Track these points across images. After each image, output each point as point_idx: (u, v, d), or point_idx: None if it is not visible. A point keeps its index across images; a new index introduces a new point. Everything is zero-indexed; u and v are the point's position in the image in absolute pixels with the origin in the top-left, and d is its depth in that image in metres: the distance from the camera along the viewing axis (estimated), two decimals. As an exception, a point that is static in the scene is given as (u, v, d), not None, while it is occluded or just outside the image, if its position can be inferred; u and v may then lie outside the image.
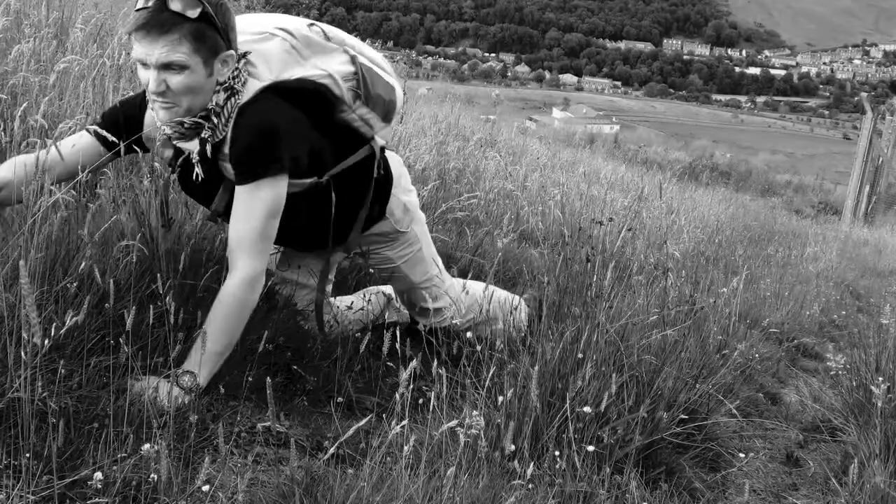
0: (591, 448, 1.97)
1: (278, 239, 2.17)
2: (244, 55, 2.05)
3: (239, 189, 2.03)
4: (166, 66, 1.87)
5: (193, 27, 1.86)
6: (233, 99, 2.01)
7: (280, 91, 2.07)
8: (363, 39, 2.52)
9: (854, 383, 3.06)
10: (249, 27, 2.14)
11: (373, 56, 2.31)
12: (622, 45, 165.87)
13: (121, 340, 1.63)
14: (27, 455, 1.38)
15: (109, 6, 4.27)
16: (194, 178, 2.08)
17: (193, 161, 2.06)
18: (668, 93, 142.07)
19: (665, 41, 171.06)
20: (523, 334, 2.63)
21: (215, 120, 2.01)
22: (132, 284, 1.94)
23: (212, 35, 1.91)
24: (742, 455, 2.62)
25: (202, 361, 1.87)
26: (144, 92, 2.06)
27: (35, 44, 2.94)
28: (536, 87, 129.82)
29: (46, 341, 1.52)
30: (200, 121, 2.00)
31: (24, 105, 2.28)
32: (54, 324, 1.56)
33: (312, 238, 2.38)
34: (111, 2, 4.59)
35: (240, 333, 2.00)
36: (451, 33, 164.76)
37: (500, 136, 8.01)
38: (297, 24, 2.20)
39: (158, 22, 1.84)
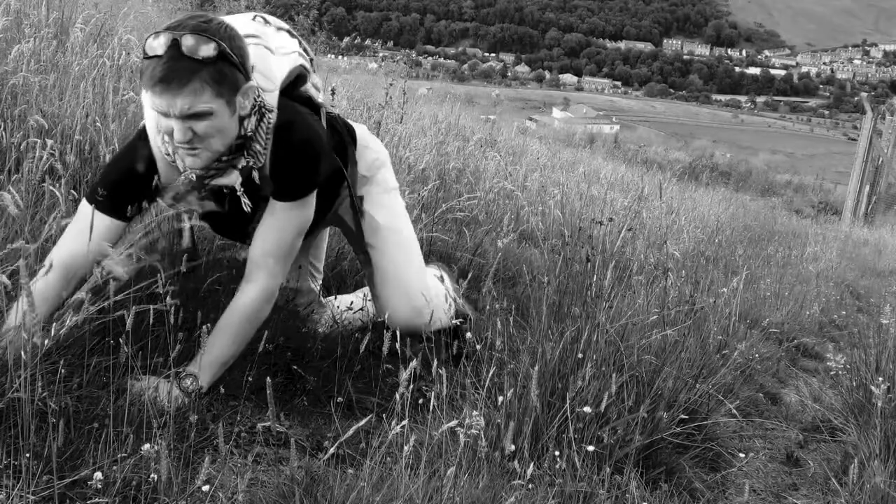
0: (591, 448, 1.97)
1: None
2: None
3: (274, 204, 2.02)
4: (190, 117, 1.79)
5: (212, 70, 1.77)
6: (265, 120, 1.97)
7: (288, 93, 2.06)
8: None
9: (854, 383, 3.06)
10: None
11: (284, 24, 2.31)
12: (622, 45, 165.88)
13: (121, 340, 1.63)
14: (27, 455, 1.38)
15: (109, 6, 4.28)
16: (245, 208, 2.02)
17: (239, 193, 2.00)
18: (668, 93, 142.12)
19: (665, 41, 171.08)
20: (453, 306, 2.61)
21: (257, 147, 1.97)
22: (132, 284, 1.94)
23: (231, 72, 1.82)
24: (742, 455, 2.62)
25: (205, 366, 1.87)
26: (139, 141, 1.99)
27: (35, 44, 2.94)
28: (536, 87, 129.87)
29: (46, 341, 1.52)
30: (233, 157, 1.94)
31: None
32: (54, 324, 1.56)
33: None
34: (111, 2, 4.59)
35: (246, 344, 2.00)
36: (451, 33, 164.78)
37: (500, 136, 8.01)
38: (250, 24, 2.15)
39: (176, 73, 1.73)
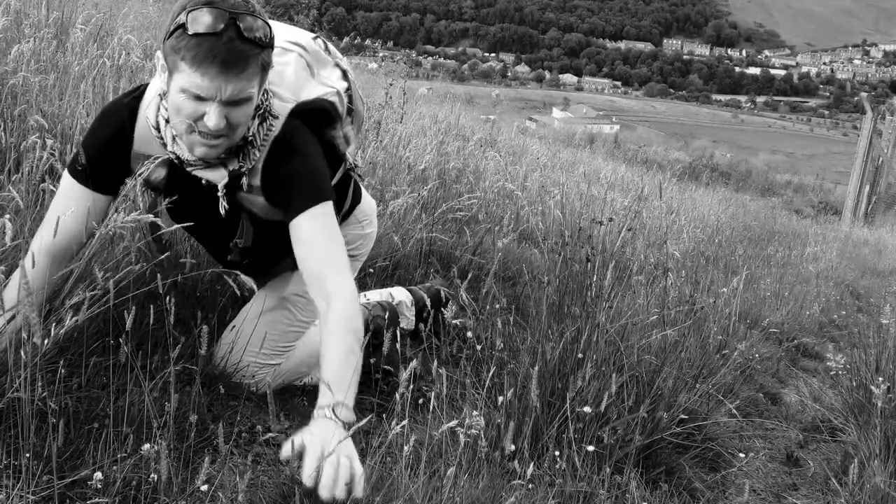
0: (591, 448, 1.97)
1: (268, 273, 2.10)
2: None
3: (293, 226, 1.79)
4: (232, 103, 1.64)
5: (263, 56, 1.65)
6: (265, 125, 1.81)
7: (302, 113, 1.89)
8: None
9: (854, 383, 3.06)
10: None
11: (348, 66, 2.18)
12: (622, 45, 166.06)
13: (121, 340, 1.63)
14: (27, 455, 1.38)
15: (109, 6, 4.28)
16: (220, 210, 1.84)
17: (220, 194, 1.83)
18: (668, 93, 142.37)
19: (665, 41, 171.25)
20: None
21: (257, 153, 1.81)
22: (132, 284, 1.94)
23: (272, 60, 1.71)
24: (742, 455, 2.62)
25: (339, 384, 1.54)
26: (125, 101, 1.86)
27: (35, 44, 2.94)
28: (536, 87, 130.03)
29: (46, 341, 1.52)
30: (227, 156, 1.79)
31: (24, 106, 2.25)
32: (54, 324, 1.56)
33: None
34: (111, 2, 4.59)
35: (361, 351, 1.67)
36: (451, 33, 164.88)
37: (500, 136, 8.01)
38: (305, 37, 2.05)
39: (238, 56, 1.59)
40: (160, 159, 1.83)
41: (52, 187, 2.13)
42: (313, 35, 2.09)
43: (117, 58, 3.19)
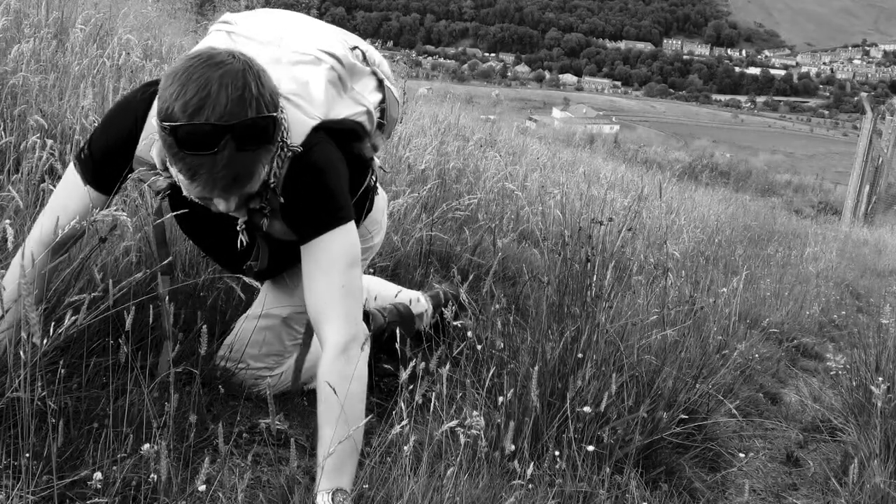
0: (591, 448, 1.97)
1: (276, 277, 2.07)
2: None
3: (305, 249, 1.74)
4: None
5: (267, 147, 1.56)
6: (281, 153, 1.71)
7: (327, 131, 1.81)
8: (363, 40, 2.35)
9: (854, 383, 3.06)
10: (294, 43, 1.83)
11: (387, 72, 2.07)
12: (622, 45, 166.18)
13: (120, 341, 1.63)
14: (27, 455, 1.38)
15: (109, 6, 4.28)
16: (239, 245, 1.81)
17: (240, 228, 1.80)
18: (668, 93, 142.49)
19: (665, 41, 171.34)
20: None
21: (271, 197, 1.74)
22: (132, 285, 1.94)
23: (277, 131, 1.59)
24: (742, 455, 2.62)
25: (334, 468, 1.56)
26: (134, 105, 1.77)
27: (35, 44, 2.94)
28: (536, 87, 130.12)
29: (46, 341, 1.52)
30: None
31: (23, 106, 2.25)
32: (53, 324, 1.56)
33: None
34: (111, 2, 4.59)
35: (361, 410, 1.64)
36: (451, 33, 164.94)
37: (500, 136, 8.00)
38: (342, 47, 1.91)
39: (239, 173, 1.53)
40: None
41: (51, 187, 2.12)
42: (352, 45, 1.96)
43: (117, 58, 3.19)
